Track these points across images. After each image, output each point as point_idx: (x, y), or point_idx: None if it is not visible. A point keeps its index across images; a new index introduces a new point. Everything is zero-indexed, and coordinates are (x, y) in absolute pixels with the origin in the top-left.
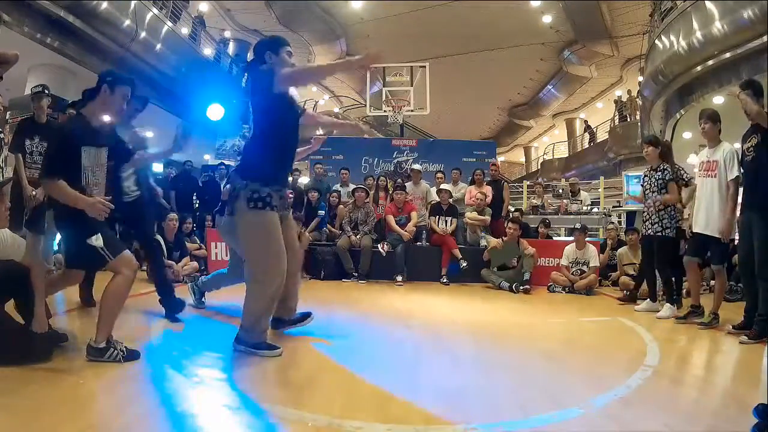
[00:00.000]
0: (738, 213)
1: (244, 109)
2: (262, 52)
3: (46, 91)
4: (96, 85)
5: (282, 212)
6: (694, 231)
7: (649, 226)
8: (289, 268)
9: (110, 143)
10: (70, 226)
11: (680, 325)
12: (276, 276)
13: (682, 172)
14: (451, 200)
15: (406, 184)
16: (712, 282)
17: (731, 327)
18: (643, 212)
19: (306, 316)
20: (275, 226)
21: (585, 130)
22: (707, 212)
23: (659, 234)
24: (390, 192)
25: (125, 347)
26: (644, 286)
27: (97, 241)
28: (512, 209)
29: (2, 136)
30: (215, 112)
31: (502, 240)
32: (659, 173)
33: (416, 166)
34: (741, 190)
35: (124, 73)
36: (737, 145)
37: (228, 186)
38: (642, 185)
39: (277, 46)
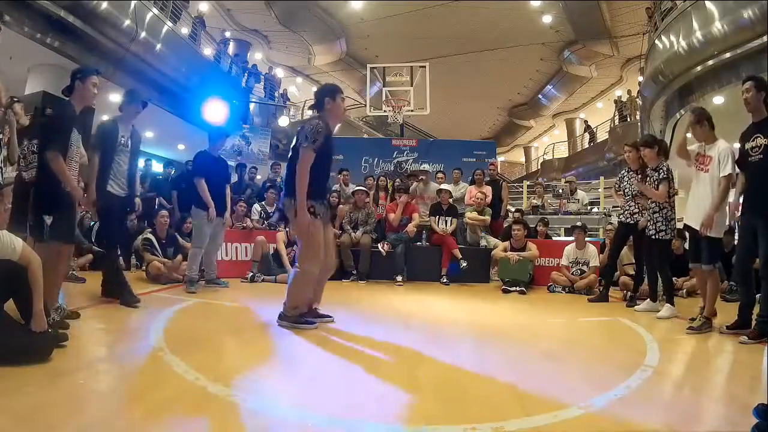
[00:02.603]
0: (729, 210)
1: (244, 108)
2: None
3: (16, 98)
4: (70, 82)
5: (324, 219)
6: (685, 223)
7: (650, 226)
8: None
9: (84, 131)
10: (44, 198)
11: (680, 325)
12: (315, 265)
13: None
14: (451, 200)
15: (416, 184)
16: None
17: (725, 327)
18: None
19: (326, 316)
20: (317, 229)
21: (585, 130)
22: (697, 206)
23: (655, 236)
24: (390, 192)
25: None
26: (644, 285)
27: (48, 219)
28: (512, 209)
29: (1, 137)
30: (215, 113)
31: (511, 244)
32: (657, 173)
33: (426, 167)
34: (738, 189)
35: (90, 65)
36: (737, 145)
37: (281, 202)
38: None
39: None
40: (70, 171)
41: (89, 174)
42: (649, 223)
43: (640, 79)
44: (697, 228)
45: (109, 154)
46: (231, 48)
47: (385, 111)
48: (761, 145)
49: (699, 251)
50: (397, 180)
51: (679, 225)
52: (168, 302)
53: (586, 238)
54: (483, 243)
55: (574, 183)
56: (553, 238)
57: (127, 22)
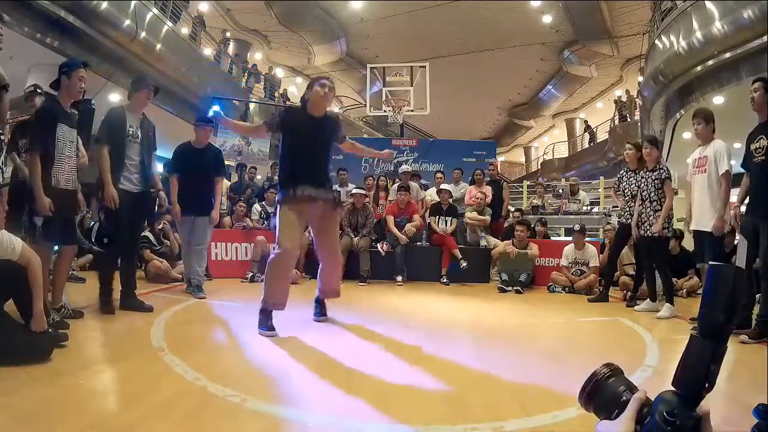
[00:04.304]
0: (732, 210)
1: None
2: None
3: (39, 90)
4: (57, 76)
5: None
6: (692, 229)
7: (648, 227)
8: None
9: (81, 126)
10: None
11: (680, 325)
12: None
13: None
14: (451, 200)
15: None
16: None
17: None
18: (638, 213)
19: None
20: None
21: (585, 130)
22: (699, 208)
23: (656, 235)
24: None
25: (56, 321)
26: (644, 285)
27: (38, 221)
28: (512, 209)
29: (2, 137)
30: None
31: (513, 244)
32: (656, 173)
33: (405, 168)
34: (743, 188)
35: (77, 58)
36: (737, 145)
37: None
38: (639, 186)
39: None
40: (62, 170)
41: (100, 168)
42: (646, 224)
43: (640, 79)
44: (707, 230)
45: (117, 146)
46: (231, 48)
47: (385, 111)
48: (764, 146)
49: (702, 250)
50: (397, 180)
51: (679, 225)
52: (168, 302)
53: (586, 239)
54: (483, 243)
55: (577, 184)
56: (553, 238)
57: (127, 22)
